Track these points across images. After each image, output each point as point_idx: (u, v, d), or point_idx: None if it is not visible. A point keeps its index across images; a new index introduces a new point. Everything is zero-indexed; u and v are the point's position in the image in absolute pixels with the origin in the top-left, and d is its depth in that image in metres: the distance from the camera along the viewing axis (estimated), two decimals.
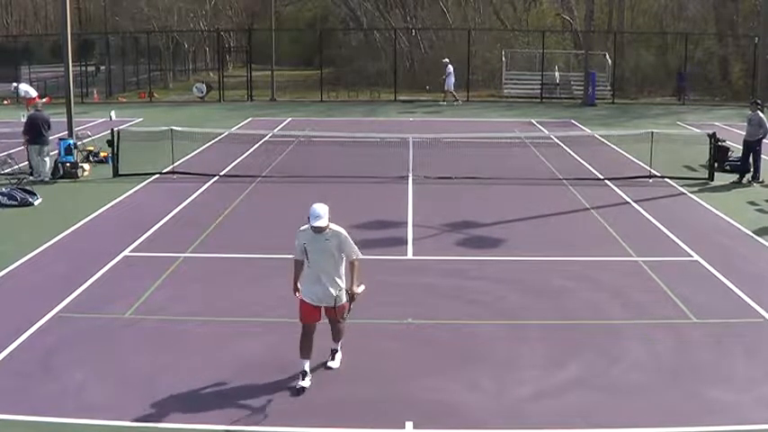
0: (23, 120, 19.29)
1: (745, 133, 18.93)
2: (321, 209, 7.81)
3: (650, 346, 9.10)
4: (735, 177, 18.56)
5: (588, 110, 33.82)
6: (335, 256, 7.96)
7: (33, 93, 19.41)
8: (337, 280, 8.03)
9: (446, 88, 35.93)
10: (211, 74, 46.22)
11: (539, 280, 11.44)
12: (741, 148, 18.95)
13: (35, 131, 18.25)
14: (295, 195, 16.70)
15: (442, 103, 35.60)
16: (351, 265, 8.09)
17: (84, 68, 39.43)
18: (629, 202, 16.22)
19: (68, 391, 7.93)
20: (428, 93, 38.04)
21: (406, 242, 13.36)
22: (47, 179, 18.27)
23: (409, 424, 7.31)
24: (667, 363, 8.71)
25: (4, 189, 16.30)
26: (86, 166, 19.35)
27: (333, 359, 8.46)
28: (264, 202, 16.30)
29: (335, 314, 8.13)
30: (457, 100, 35.88)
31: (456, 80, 35.95)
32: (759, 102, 19.46)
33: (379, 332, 9.42)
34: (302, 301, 8.08)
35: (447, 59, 36.24)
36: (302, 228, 8.04)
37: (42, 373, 8.31)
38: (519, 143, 23.04)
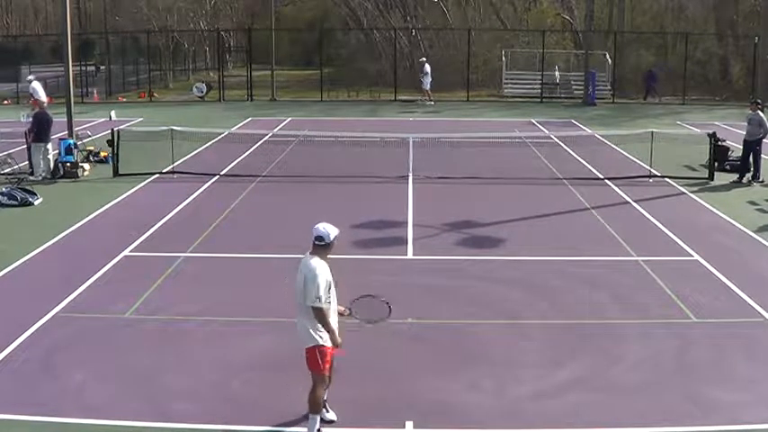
0: (23, 120, 19.27)
1: (745, 133, 18.93)
2: (329, 226, 7.00)
3: (650, 346, 9.10)
4: (735, 177, 18.57)
5: (588, 110, 33.80)
6: None
7: (43, 95, 19.24)
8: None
9: (423, 87, 35.76)
10: (211, 73, 46.17)
11: (539, 280, 11.44)
12: (741, 147, 18.96)
13: (42, 129, 18.29)
14: (295, 195, 16.73)
15: (428, 103, 35.30)
16: None
17: (84, 68, 39.42)
18: (629, 202, 16.22)
19: (68, 391, 7.94)
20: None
21: (406, 242, 13.36)
22: (47, 176, 18.27)
23: (409, 424, 7.32)
24: (667, 363, 8.71)
25: (4, 189, 16.29)
26: (86, 165, 19.36)
27: (328, 410, 7.33)
28: (264, 202, 16.28)
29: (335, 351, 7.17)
30: (430, 100, 35.59)
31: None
32: (759, 101, 19.46)
33: (379, 332, 9.40)
34: (328, 348, 7.01)
35: (424, 59, 36.20)
36: (313, 260, 6.91)
37: (42, 373, 8.31)
38: (519, 143, 23.05)
